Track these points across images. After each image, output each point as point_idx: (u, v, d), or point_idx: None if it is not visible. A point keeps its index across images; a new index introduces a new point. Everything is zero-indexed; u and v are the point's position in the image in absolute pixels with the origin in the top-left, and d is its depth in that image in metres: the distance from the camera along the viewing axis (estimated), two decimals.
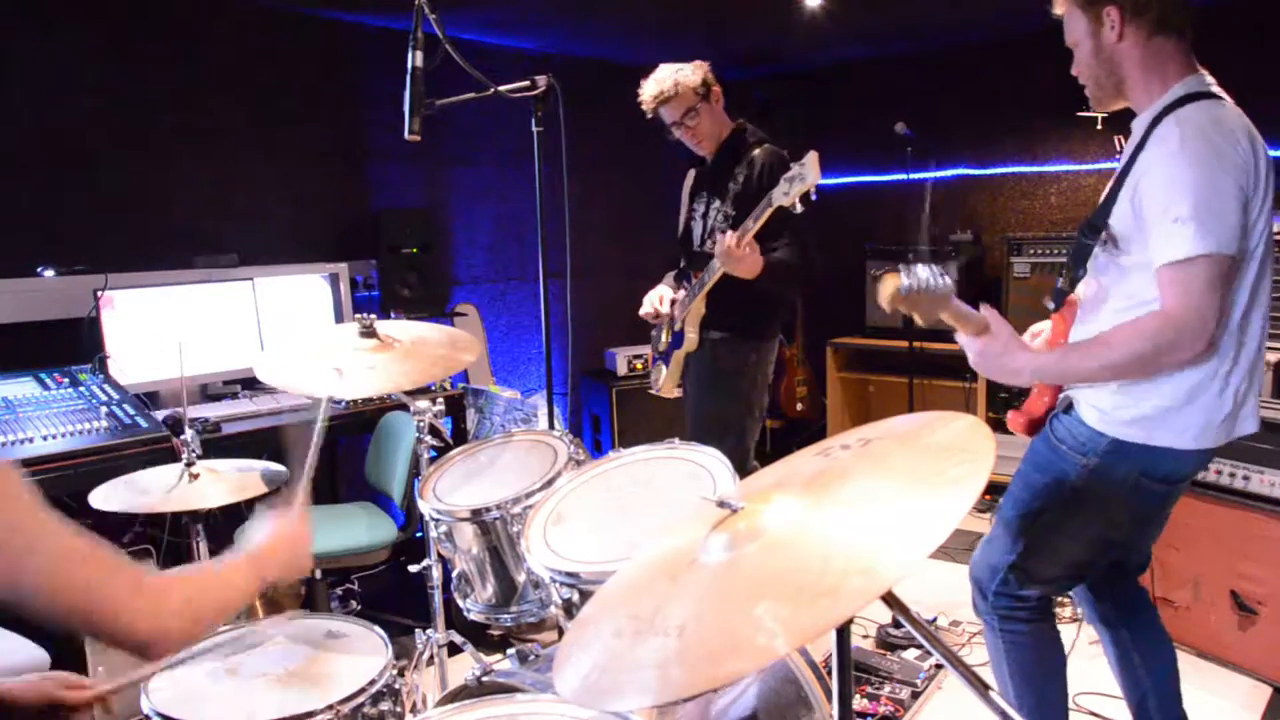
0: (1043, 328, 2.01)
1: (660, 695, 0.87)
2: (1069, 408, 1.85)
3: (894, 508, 0.92)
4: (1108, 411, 1.76)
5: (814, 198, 2.49)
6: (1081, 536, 1.88)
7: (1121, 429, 1.74)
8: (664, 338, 3.15)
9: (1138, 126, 1.76)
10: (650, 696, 0.88)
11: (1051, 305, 1.94)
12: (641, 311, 3.15)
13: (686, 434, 3.06)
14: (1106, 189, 1.84)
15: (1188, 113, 1.65)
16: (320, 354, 2.04)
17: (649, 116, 2.97)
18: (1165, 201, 1.61)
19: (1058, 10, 1.82)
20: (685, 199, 3.17)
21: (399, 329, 2.10)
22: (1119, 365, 1.66)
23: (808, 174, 2.45)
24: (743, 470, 2.97)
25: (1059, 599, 2.10)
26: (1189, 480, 1.84)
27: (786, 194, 2.49)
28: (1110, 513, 1.83)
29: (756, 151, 2.87)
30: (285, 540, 1.42)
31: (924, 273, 1.61)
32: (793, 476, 1.09)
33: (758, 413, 3.03)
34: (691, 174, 3.18)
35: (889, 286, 1.62)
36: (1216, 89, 1.73)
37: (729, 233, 2.64)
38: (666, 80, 2.85)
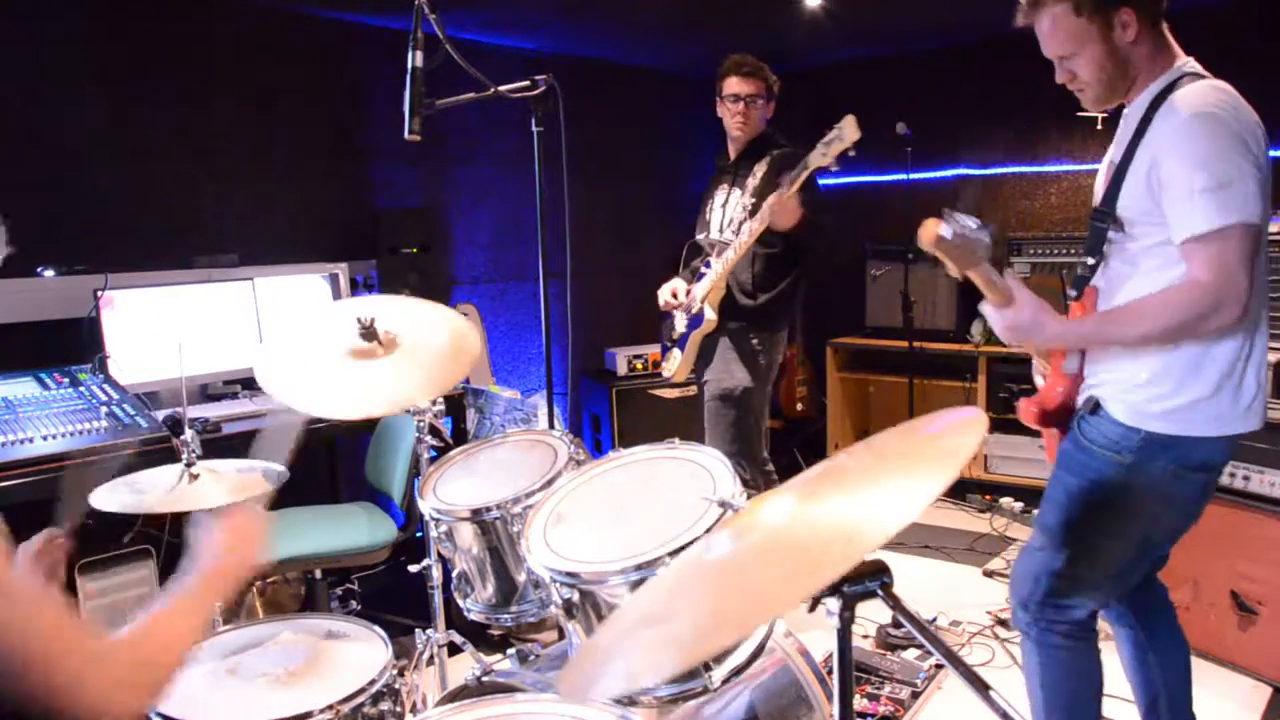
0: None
1: (653, 675, 0.89)
2: (1095, 408, 1.83)
3: (879, 484, 0.94)
4: (1138, 406, 1.75)
5: (852, 154, 2.64)
6: (1126, 536, 1.86)
7: (1153, 422, 1.74)
8: (679, 324, 3.23)
9: (1135, 109, 1.77)
10: (646, 676, 0.90)
11: (1074, 293, 1.92)
12: (661, 302, 3.27)
13: (705, 419, 3.19)
14: (1106, 175, 1.83)
15: (1186, 91, 1.67)
16: (319, 364, 2.00)
17: (718, 82, 3.13)
18: (1185, 176, 1.61)
19: (1040, 25, 1.77)
20: (708, 193, 3.30)
21: (399, 321, 2.05)
22: (1156, 334, 1.67)
23: (845, 133, 2.59)
24: (757, 454, 3.16)
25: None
26: (1223, 466, 1.83)
27: (824, 155, 2.65)
28: (1153, 508, 1.81)
29: (777, 152, 3.06)
30: (237, 542, 1.37)
31: (968, 223, 1.62)
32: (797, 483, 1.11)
33: (769, 398, 3.21)
34: (715, 171, 3.31)
35: (931, 230, 1.63)
36: (1202, 71, 1.75)
37: (775, 195, 2.80)
38: (756, 62, 3.08)
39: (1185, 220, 1.62)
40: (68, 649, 0.98)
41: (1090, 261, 1.86)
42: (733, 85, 3.07)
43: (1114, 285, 1.83)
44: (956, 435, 0.96)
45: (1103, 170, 1.90)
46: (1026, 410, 2.01)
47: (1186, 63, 1.76)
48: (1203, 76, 1.72)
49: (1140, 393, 1.75)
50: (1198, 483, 1.80)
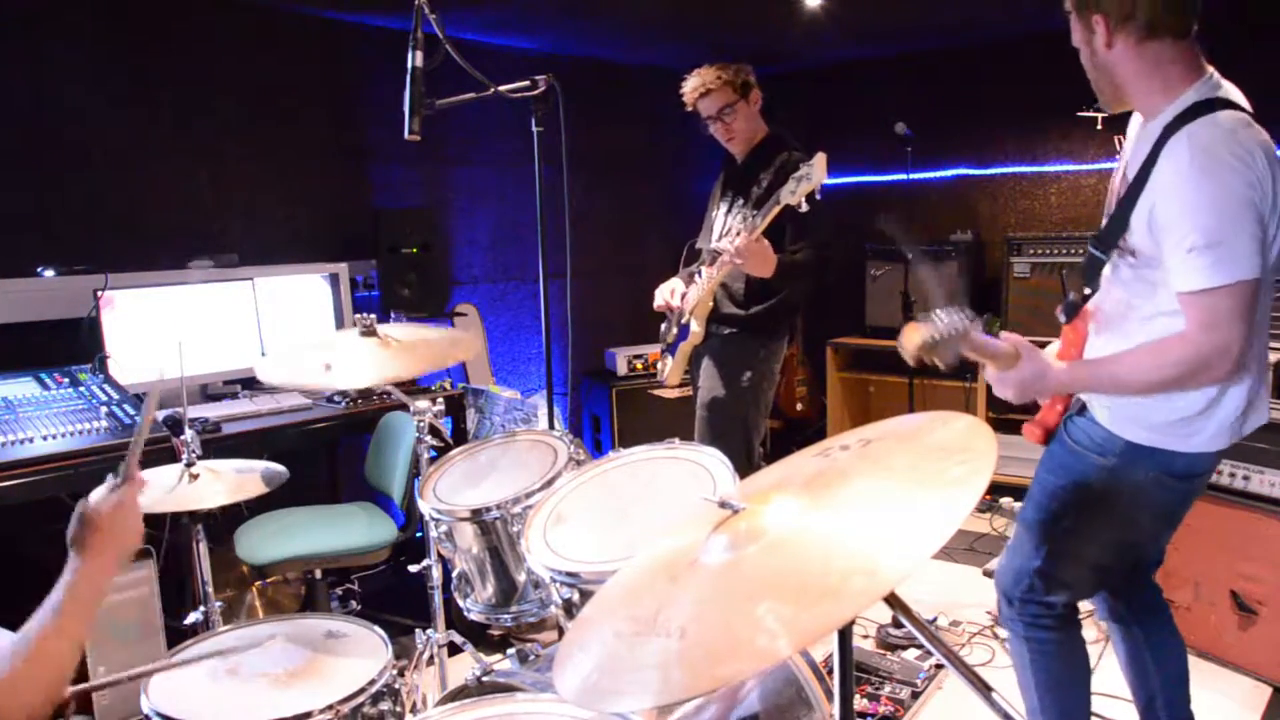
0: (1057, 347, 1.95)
1: (661, 696, 0.87)
2: (1082, 409, 1.84)
3: (895, 508, 0.92)
4: (1123, 413, 1.75)
5: (819, 197, 2.55)
6: (1103, 538, 1.86)
7: (1134, 432, 1.73)
8: (672, 330, 3.18)
9: (1149, 133, 1.68)
10: (651, 697, 0.88)
11: (1063, 318, 1.88)
12: (655, 304, 3.19)
13: (695, 427, 3.11)
14: (1115, 197, 1.79)
15: (1198, 128, 1.57)
16: (318, 350, 2.04)
17: (689, 110, 3.04)
18: (1179, 230, 1.56)
19: (1067, 6, 1.75)
20: (714, 195, 3.21)
21: (399, 332, 2.09)
22: (1154, 385, 1.65)
23: (814, 174, 2.51)
24: (750, 466, 3.00)
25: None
26: (1208, 476, 1.82)
27: (793, 193, 2.55)
28: (1131, 512, 1.81)
29: (783, 157, 2.92)
30: (112, 531, 1.34)
31: (946, 318, 1.57)
32: (793, 477, 1.09)
33: (764, 409, 3.08)
34: (722, 173, 3.22)
35: (913, 339, 1.58)
36: (1229, 93, 1.65)
37: (741, 235, 2.69)
38: (709, 75, 2.95)
39: (1178, 274, 1.58)
40: None
41: (1086, 291, 1.82)
42: (701, 109, 3.00)
43: (1116, 311, 1.78)
44: (966, 452, 0.94)
45: (1115, 182, 1.83)
46: (1030, 432, 2.00)
47: (1207, 84, 1.64)
48: (1223, 100, 1.61)
49: (1123, 401, 1.74)
50: (1180, 490, 1.79)
